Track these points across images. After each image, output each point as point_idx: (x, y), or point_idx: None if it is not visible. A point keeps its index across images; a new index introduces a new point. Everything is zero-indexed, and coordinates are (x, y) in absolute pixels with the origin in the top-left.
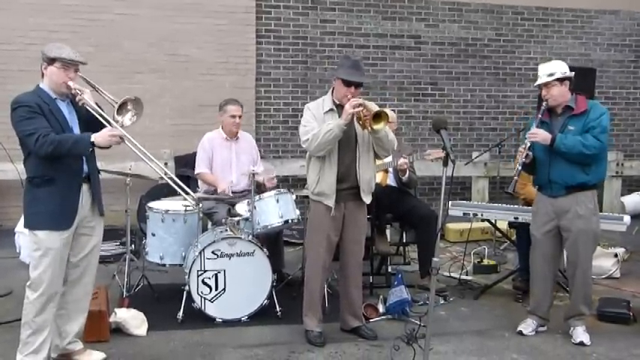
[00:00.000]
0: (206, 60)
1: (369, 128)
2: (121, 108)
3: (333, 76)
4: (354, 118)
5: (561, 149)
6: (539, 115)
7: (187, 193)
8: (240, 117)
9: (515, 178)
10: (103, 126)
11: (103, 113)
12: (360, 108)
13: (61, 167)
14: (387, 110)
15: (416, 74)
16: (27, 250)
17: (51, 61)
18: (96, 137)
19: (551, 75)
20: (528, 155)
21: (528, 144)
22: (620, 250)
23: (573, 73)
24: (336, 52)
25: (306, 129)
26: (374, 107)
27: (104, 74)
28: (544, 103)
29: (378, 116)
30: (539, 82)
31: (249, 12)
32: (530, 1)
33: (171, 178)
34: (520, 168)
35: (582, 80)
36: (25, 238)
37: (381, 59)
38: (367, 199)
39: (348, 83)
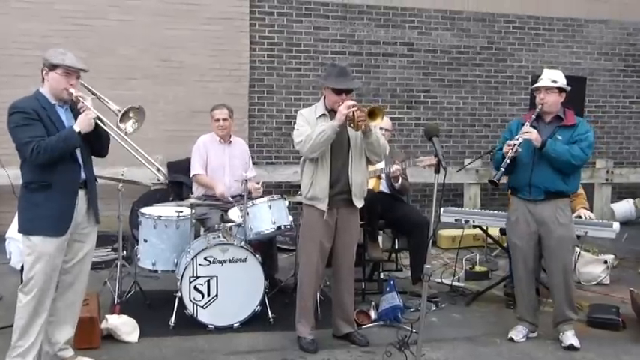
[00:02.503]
0: (200, 66)
1: (362, 128)
2: (124, 116)
3: (322, 85)
4: (347, 122)
5: (550, 154)
6: (533, 116)
7: (157, 169)
8: (224, 120)
9: (502, 169)
10: (100, 133)
11: (105, 120)
12: (354, 108)
13: (58, 173)
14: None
15: (409, 82)
16: (17, 255)
17: (53, 67)
18: (78, 125)
19: (554, 81)
20: (518, 150)
21: (520, 140)
22: (610, 257)
23: (570, 88)
24: (330, 59)
25: (299, 132)
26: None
27: (98, 80)
28: (537, 108)
29: (373, 113)
30: (541, 83)
31: (243, 19)
32: (522, 10)
33: (137, 151)
34: (508, 161)
35: (573, 88)
36: (15, 244)
37: (374, 66)
38: (359, 204)
39: (338, 91)
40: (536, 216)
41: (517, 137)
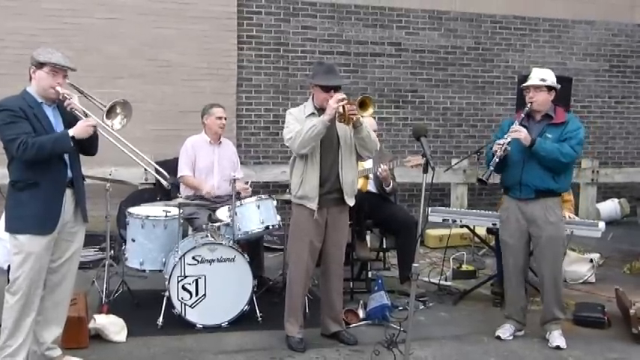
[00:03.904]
0: (187, 65)
1: (353, 119)
2: (110, 112)
3: (310, 83)
4: (337, 118)
5: (540, 153)
6: (522, 115)
7: (163, 177)
8: (225, 119)
9: (491, 168)
10: (91, 135)
11: (101, 123)
12: (344, 102)
13: (45, 172)
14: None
15: (396, 81)
16: (4, 255)
17: (40, 65)
18: (74, 130)
19: (543, 80)
20: (507, 149)
21: (509, 139)
22: (596, 256)
23: (559, 86)
24: (317, 58)
25: (290, 129)
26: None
27: (85, 79)
28: (527, 107)
29: (364, 103)
30: (530, 82)
31: (231, 18)
32: (508, 11)
33: (146, 162)
34: (497, 160)
35: (559, 88)
36: (2, 244)
37: (361, 66)
38: (350, 202)
39: (326, 88)
40: (527, 215)
41: (506, 136)
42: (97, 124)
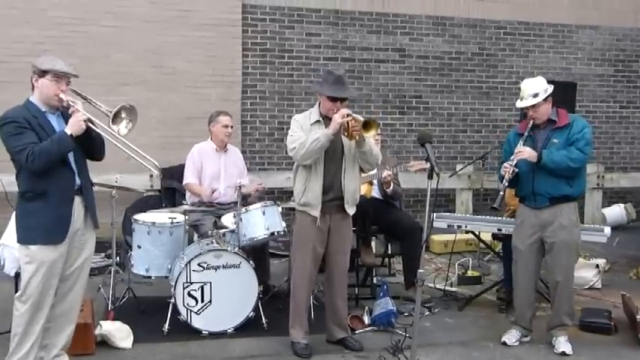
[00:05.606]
0: (192, 72)
1: (356, 138)
2: (116, 117)
3: (317, 91)
4: (341, 130)
5: (549, 165)
6: (525, 133)
7: (154, 165)
8: (231, 127)
9: (501, 193)
10: (92, 137)
11: (96, 121)
12: (349, 118)
13: (53, 180)
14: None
15: (400, 87)
16: (11, 262)
17: (42, 73)
18: (69, 128)
19: (536, 96)
20: (515, 170)
21: (515, 161)
22: (602, 261)
23: (552, 86)
24: (322, 65)
25: (293, 138)
26: (361, 119)
27: (90, 86)
28: (530, 122)
29: (368, 125)
30: (525, 104)
31: (236, 25)
32: (513, 16)
33: (131, 148)
34: (507, 184)
35: (563, 94)
36: (9, 251)
37: (366, 72)
38: (351, 211)
39: (333, 99)
40: (541, 220)
41: (512, 158)
42: (88, 118)
